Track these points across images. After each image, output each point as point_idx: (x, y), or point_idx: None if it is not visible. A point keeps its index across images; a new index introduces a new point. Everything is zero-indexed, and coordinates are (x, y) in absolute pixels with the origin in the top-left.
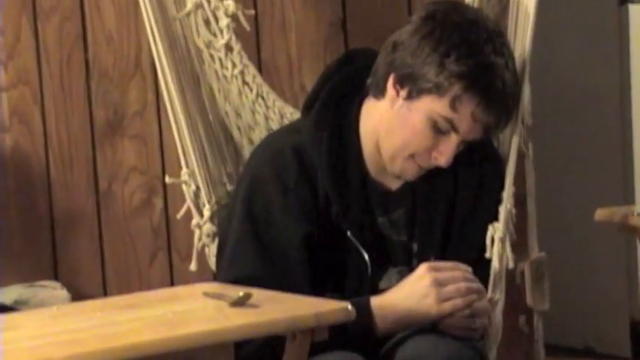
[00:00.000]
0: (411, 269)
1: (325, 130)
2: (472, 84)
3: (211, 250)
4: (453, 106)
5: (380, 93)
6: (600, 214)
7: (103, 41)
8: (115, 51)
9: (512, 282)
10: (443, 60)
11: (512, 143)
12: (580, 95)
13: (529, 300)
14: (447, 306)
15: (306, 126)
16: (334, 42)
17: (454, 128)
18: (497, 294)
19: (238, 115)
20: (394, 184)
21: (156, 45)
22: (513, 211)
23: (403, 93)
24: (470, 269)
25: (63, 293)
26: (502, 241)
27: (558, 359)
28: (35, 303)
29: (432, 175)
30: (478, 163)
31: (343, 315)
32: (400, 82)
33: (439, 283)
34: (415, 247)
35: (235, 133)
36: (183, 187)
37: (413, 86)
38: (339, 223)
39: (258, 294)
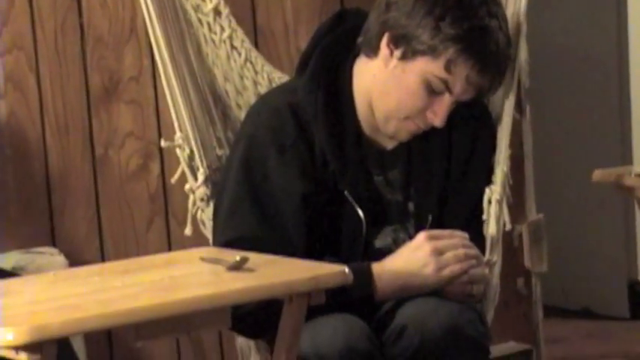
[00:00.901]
0: (406, 228)
1: (320, 88)
2: (467, 47)
3: (206, 214)
4: (448, 68)
5: (372, 52)
6: (598, 175)
7: (98, 6)
8: (110, 16)
9: (511, 244)
10: (438, 23)
11: (505, 105)
12: (578, 57)
13: (527, 262)
14: (446, 273)
15: (300, 85)
16: (330, 5)
17: (448, 89)
18: (494, 256)
19: (227, 79)
20: (389, 144)
21: (147, 8)
22: (509, 173)
23: (397, 53)
24: (467, 235)
25: (60, 259)
26: (499, 203)
27: (556, 321)
28: (33, 269)
29: (427, 135)
30: (471, 123)
31: (340, 278)
32: (394, 42)
33: (438, 252)
34: (411, 206)
35: (224, 98)
36: (177, 150)
37: (407, 47)
38: (335, 181)
39: (254, 258)
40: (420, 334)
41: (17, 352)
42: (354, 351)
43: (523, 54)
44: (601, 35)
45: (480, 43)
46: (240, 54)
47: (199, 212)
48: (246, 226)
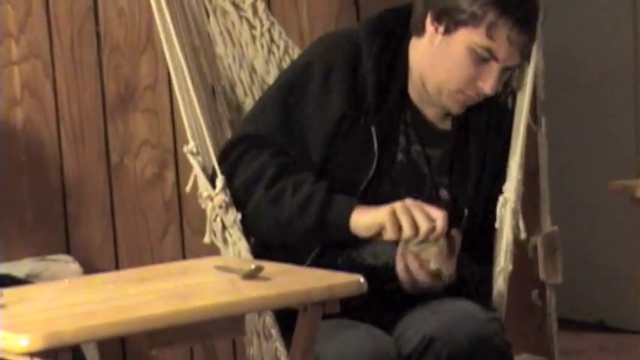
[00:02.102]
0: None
1: (380, 35)
2: (505, 8)
3: (226, 222)
4: (489, 34)
5: (419, 32)
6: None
7: (114, 15)
8: (127, 24)
9: (525, 256)
10: None
11: (522, 112)
12: (593, 70)
13: (542, 274)
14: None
15: (363, 25)
16: (346, 14)
17: (493, 56)
18: (509, 264)
19: (268, 72)
20: (435, 120)
21: (161, 16)
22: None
23: (441, 28)
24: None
25: (75, 267)
26: (514, 211)
27: (571, 333)
28: (47, 276)
29: (466, 123)
30: (505, 127)
31: (355, 287)
32: (437, 18)
33: (407, 209)
34: (444, 193)
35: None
36: (190, 158)
37: (449, 20)
38: (367, 119)
39: (269, 267)
40: (448, 346)
41: (32, 359)
42: None
43: (539, 65)
44: (617, 47)
45: (516, 2)
46: (279, 47)
47: (218, 219)
48: (267, 128)
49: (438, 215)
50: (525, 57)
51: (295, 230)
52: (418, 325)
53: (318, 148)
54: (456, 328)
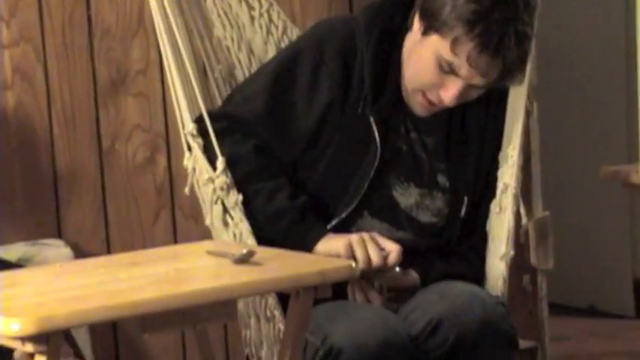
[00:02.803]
0: (432, 197)
1: (379, 25)
2: (472, 27)
3: (227, 204)
4: (453, 48)
5: (411, 26)
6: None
7: None
8: (118, 8)
9: (517, 241)
10: (455, 2)
11: (518, 97)
12: (585, 55)
13: (533, 259)
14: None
15: (362, 13)
16: (338, 0)
17: (454, 72)
18: (511, 249)
19: (266, 53)
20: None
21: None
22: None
23: (421, 28)
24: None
25: (66, 251)
26: (515, 197)
27: (562, 318)
28: (39, 261)
29: (465, 114)
30: (502, 113)
31: (347, 272)
32: (421, 17)
33: (362, 242)
34: (442, 179)
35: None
36: (190, 140)
37: (428, 22)
38: (364, 109)
39: (262, 251)
40: (456, 329)
41: (23, 343)
42: (391, 345)
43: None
44: (609, 32)
45: (485, 26)
46: (277, 27)
47: (219, 202)
48: (256, 114)
49: (392, 248)
50: (492, 80)
51: (260, 231)
52: (425, 307)
53: (302, 138)
54: (464, 312)
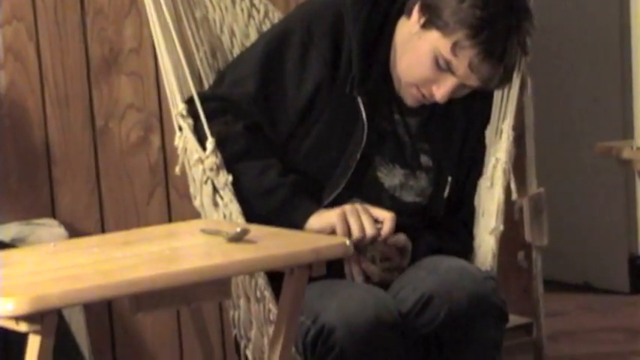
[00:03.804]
0: (415, 177)
1: (367, 5)
2: (475, 34)
3: (217, 184)
4: (454, 50)
5: (409, 13)
6: (599, 148)
7: None
8: None
9: (511, 217)
10: (460, 4)
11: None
12: (579, 30)
13: (527, 235)
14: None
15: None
16: None
17: (451, 71)
18: (500, 224)
19: (246, 36)
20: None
21: None
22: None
23: (421, 20)
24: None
25: (60, 231)
26: (505, 172)
27: (557, 294)
28: (33, 240)
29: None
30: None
31: (341, 250)
32: (422, 10)
33: (356, 212)
34: (425, 159)
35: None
36: (180, 121)
37: (430, 17)
38: (352, 87)
39: (256, 230)
40: (447, 304)
41: (17, 323)
42: (382, 322)
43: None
44: (603, 8)
45: (490, 34)
46: (259, 10)
47: (208, 182)
48: (247, 96)
49: (386, 216)
50: (487, 84)
51: (250, 209)
52: (415, 284)
53: (292, 117)
54: (455, 287)
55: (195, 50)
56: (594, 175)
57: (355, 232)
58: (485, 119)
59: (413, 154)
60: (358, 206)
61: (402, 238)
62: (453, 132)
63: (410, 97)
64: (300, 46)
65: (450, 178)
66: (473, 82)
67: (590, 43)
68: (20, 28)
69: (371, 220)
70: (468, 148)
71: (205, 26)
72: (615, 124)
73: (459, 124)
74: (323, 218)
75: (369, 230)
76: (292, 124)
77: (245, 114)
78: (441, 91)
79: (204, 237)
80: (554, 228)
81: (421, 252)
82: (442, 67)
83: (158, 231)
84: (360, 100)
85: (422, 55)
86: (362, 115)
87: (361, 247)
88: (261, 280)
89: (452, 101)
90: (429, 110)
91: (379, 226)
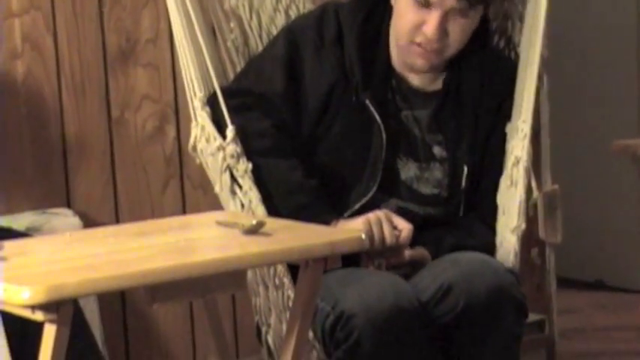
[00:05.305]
0: (430, 169)
1: (362, 9)
2: None
3: (237, 172)
4: None
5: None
6: (616, 146)
7: None
8: None
9: (525, 214)
10: None
11: (528, 71)
12: (596, 27)
13: (541, 232)
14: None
15: (347, 4)
16: None
17: (429, 3)
18: (523, 222)
19: (272, 21)
20: (420, 83)
21: None
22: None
23: None
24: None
25: (75, 220)
26: (527, 170)
27: (570, 292)
28: (47, 230)
29: (459, 85)
30: (498, 80)
31: (357, 243)
32: None
33: (378, 221)
34: (438, 150)
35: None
36: (199, 109)
37: None
38: (358, 92)
39: (271, 222)
40: (466, 294)
41: (33, 311)
42: (402, 310)
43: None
44: (619, 5)
45: None
46: None
47: (227, 171)
48: (274, 92)
49: (404, 227)
50: (471, 4)
51: (272, 204)
52: (436, 273)
53: (312, 117)
54: (475, 278)
55: (221, 38)
56: (609, 172)
57: (377, 242)
58: (494, 113)
59: (424, 146)
60: (381, 214)
61: (420, 252)
62: (463, 124)
63: (416, 56)
64: (314, 49)
65: (465, 169)
66: (449, 2)
67: (605, 40)
68: (38, 17)
69: (391, 228)
70: (478, 141)
71: (235, 16)
72: (631, 122)
73: (468, 116)
74: (350, 226)
75: (389, 239)
76: (312, 124)
77: (273, 112)
78: (429, 28)
79: (219, 229)
80: (569, 225)
81: (444, 252)
82: (421, 2)
83: (174, 222)
84: (368, 102)
85: (403, 8)
86: (375, 117)
87: (378, 254)
88: (280, 268)
89: (460, 91)
90: (439, 101)
91: (397, 232)
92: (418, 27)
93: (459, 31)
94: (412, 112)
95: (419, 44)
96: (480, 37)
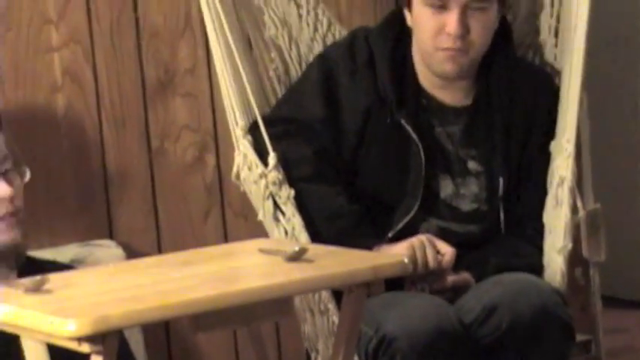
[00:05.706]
0: (466, 184)
1: (391, 34)
2: None
3: (280, 199)
4: None
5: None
6: None
7: (153, 0)
8: (165, 9)
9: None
10: None
11: (571, 91)
12: (635, 46)
13: (585, 251)
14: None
15: (376, 26)
16: None
17: (444, 5)
18: (569, 242)
19: (310, 50)
20: (448, 99)
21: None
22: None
23: (407, 7)
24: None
25: (118, 252)
26: (571, 190)
27: (615, 311)
28: (91, 262)
29: (489, 99)
30: (531, 90)
31: (400, 268)
32: (402, 1)
33: (422, 246)
34: (473, 164)
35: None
36: (241, 137)
37: None
38: (393, 114)
39: (314, 248)
40: (510, 314)
41: (80, 344)
42: (444, 333)
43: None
44: None
45: None
46: (322, 24)
47: (270, 198)
48: (313, 118)
49: (447, 251)
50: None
51: (315, 230)
52: (480, 294)
53: (352, 141)
54: (519, 297)
55: (263, 68)
56: None
57: (420, 266)
58: (528, 126)
59: (459, 162)
60: (424, 239)
61: (463, 277)
62: (495, 134)
63: (444, 62)
64: (348, 74)
65: (501, 180)
66: None
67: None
68: (77, 50)
69: (434, 252)
70: (512, 154)
71: (274, 44)
72: None
73: (499, 130)
74: (393, 251)
75: (432, 263)
76: (352, 147)
77: (313, 138)
78: (451, 26)
79: (262, 256)
80: (612, 244)
81: (488, 274)
82: (436, 5)
83: (216, 251)
84: (404, 122)
85: (421, 18)
86: (412, 135)
87: (421, 278)
88: (325, 294)
89: (490, 104)
90: (470, 116)
91: (440, 257)
92: (440, 31)
93: (479, 28)
94: (444, 129)
95: (444, 49)
96: (502, 43)
